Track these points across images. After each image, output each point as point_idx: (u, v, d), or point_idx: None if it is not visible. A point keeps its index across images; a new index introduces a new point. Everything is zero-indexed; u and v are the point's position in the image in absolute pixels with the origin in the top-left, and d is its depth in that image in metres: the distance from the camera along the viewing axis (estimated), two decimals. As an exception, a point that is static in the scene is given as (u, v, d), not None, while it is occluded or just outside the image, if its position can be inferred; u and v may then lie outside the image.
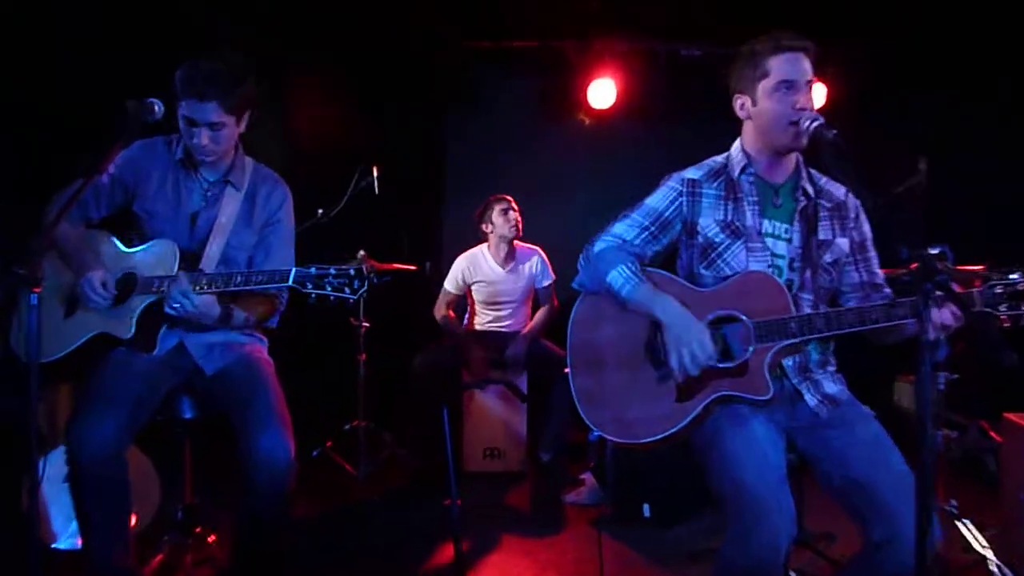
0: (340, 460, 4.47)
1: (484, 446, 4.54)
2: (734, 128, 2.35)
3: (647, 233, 2.33)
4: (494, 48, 5.38)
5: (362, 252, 3.47)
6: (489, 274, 4.59)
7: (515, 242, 4.60)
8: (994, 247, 2.61)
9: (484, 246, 4.63)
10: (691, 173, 2.33)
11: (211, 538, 3.03)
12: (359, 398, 4.44)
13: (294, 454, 2.31)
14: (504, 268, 4.58)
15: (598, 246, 2.31)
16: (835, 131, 1.95)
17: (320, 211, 4.19)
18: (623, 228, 2.33)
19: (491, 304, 4.64)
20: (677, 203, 2.31)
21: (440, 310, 4.63)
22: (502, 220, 4.49)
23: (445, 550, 3.37)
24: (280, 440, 2.29)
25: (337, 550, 3.41)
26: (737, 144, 2.34)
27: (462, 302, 4.76)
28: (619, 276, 2.22)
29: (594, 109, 5.52)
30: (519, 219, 4.54)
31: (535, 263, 4.62)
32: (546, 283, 4.64)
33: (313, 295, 2.20)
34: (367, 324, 4.44)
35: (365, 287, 2.19)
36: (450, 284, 4.63)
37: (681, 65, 5.34)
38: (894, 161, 3.73)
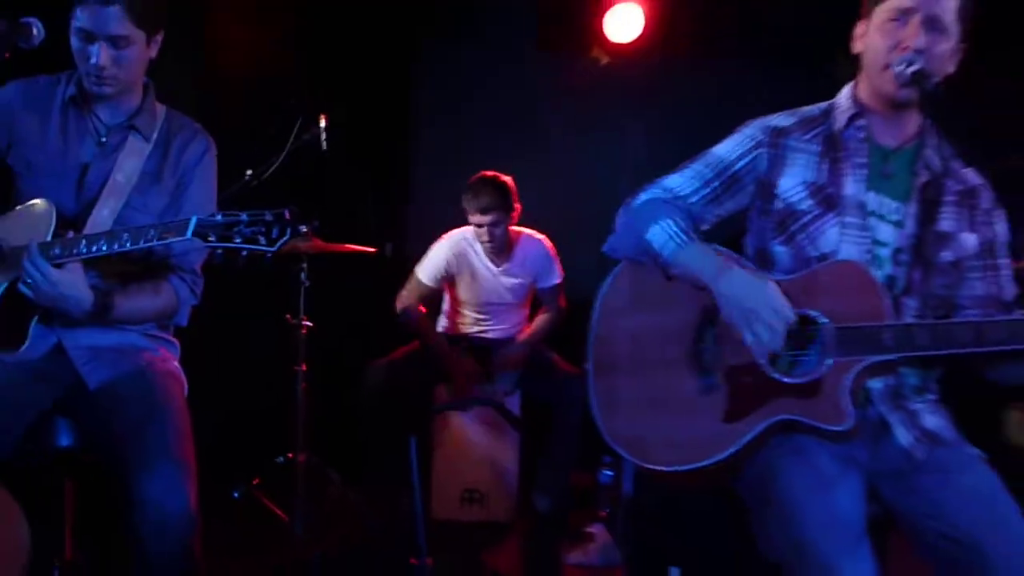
0: (270, 504, 3.96)
1: (462, 488, 4.13)
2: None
3: (709, 191, 2.17)
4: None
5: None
6: (479, 270, 4.14)
7: (514, 229, 4.12)
8: None
9: (473, 232, 4.12)
10: (779, 120, 2.15)
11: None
12: (296, 422, 3.91)
13: (194, 503, 2.12)
14: (497, 265, 4.12)
15: (642, 197, 2.20)
16: (936, 79, 1.91)
17: (249, 172, 3.69)
18: (679, 181, 2.19)
19: (477, 305, 4.20)
20: (753, 156, 2.14)
21: (405, 300, 4.14)
22: (477, 229, 4.02)
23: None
24: (172, 485, 2.10)
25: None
26: (847, 90, 2.13)
27: (435, 296, 4.27)
28: (663, 232, 2.06)
29: (613, 43, 4.99)
30: (508, 228, 4.01)
31: (539, 258, 4.15)
32: (552, 283, 4.18)
33: (220, 251, 2.08)
34: (308, 324, 3.91)
35: (287, 236, 2.07)
36: (426, 274, 4.14)
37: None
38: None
